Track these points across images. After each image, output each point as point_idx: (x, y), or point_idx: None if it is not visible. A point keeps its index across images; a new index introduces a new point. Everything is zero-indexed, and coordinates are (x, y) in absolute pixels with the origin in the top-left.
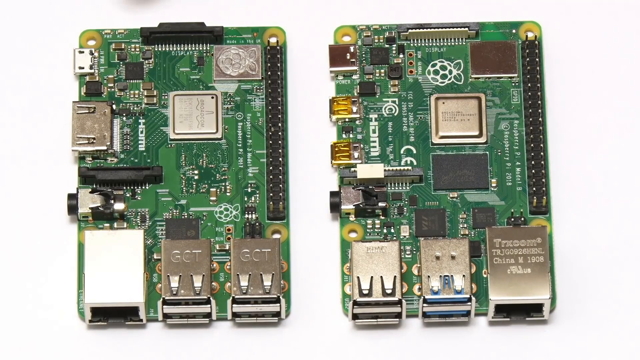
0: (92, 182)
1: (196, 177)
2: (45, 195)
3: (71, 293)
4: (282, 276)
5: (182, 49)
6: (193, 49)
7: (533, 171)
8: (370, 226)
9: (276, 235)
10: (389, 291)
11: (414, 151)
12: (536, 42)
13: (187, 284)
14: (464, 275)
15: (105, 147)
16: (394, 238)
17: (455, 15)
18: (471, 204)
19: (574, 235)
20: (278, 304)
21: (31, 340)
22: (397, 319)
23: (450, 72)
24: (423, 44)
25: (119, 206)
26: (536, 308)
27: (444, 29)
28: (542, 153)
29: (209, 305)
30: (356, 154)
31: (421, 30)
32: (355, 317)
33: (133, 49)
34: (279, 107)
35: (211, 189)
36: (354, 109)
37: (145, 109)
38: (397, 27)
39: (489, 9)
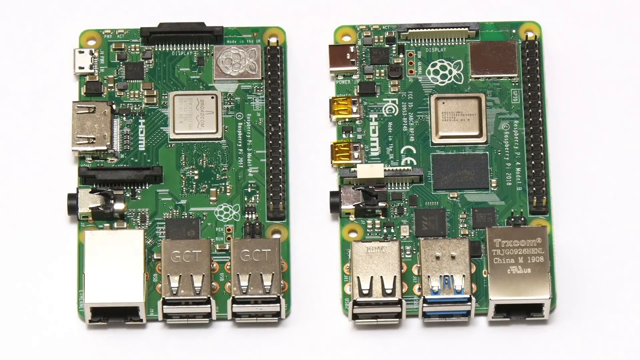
0: (92, 182)
1: (196, 177)
2: (45, 195)
3: (71, 293)
4: (282, 276)
5: (182, 49)
6: (193, 49)
7: (533, 171)
8: (370, 226)
9: (276, 235)
10: (389, 291)
11: (414, 151)
12: (536, 42)
13: (187, 284)
14: (464, 275)
15: (105, 147)
16: (394, 238)
17: (455, 15)
18: (471, 204)
19: (574, 235)
20: (278, 304)
21: (31, 340)
22: (397, 319)
23: (450, 72)
24: (423, 44)
25: (119, 206)
26: (536, 308)
27: (444, 29)
28: (542, 153)
29: (209, 305)
30: (356, 154)
31: (421, 30)
32: (355, 317)
33: (133, 49)
34: (279, 107)
35: (211, 189)
36: (354, 109)
37: (145, 109)
38: (397, 27)
39: (489, 9)
